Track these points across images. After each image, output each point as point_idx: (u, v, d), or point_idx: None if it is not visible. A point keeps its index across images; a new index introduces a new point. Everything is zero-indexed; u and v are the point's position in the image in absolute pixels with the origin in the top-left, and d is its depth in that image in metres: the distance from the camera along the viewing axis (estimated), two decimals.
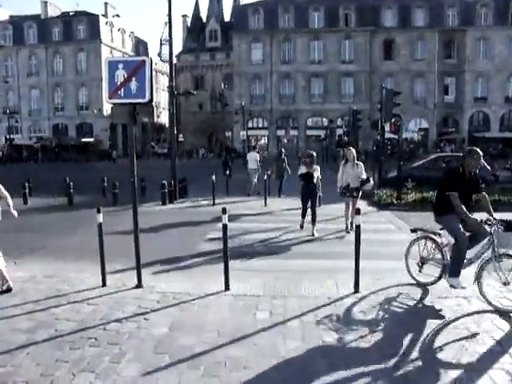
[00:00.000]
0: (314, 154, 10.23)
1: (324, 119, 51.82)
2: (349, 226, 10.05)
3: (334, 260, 7.19)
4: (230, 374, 3.85)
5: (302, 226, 10.36)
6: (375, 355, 4.17)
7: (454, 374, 3.82)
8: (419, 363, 3.99)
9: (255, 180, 18.16)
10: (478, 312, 5.19)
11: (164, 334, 4.69)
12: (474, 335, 4.55)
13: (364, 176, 10.25)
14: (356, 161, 10.39)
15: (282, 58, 53.60)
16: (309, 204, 10.20)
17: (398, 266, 6.53)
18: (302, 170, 10.05)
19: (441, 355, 4.16)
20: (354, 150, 10.48)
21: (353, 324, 4.87)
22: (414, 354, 4.14)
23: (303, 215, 10.33)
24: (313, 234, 9.81)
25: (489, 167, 18.87)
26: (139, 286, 6.20)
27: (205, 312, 5.27)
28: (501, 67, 50.01)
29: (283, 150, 19.28)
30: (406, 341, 4.45)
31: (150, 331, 4.74)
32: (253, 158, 18.54)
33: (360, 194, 10.35)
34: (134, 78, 5.79)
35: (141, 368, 3.96)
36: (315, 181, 10.12)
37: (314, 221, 9.96)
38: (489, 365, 3.96)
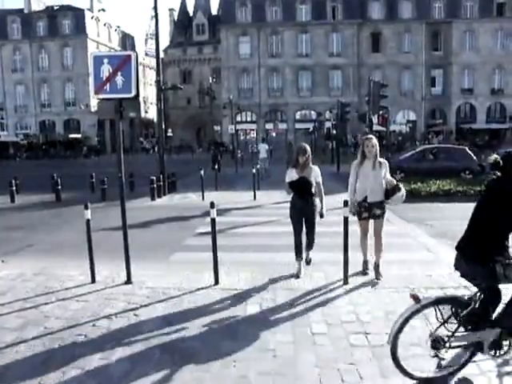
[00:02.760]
0: (308, 147, 6.35)
1: (312, 112, 51.83)
2: (370, 266, 6.35)
3: (322, 252, 7.22)
4: (220, 368, 3.87)
5: (298, 275, 6.22)
6: (364, 348, 4.20)
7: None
8: (408, 352, 4.03)
9: (266, 166, 22.11)
10: None
11: (154, 329, 4.68)
12: None
13: (391, 180, 6.16)
14: (379, 158, 6.15)
15: (270, 52, 53.49)
16: (304, 228, 6.47)
17: (388, 258, 6.58)
18: (292, 174, 6.24)
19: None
20: (375, 141, 6.13)
21: (342, 316, 4.90)
22: (406, 343, 4.17)
23: (297, 251, 6.39)
24: (307, 262, 6.56)
25: (475, 158, 19.13)
26: (128, 281, 6.18)
27: (194, 306, 5.27)
28: (486, 59, 50.38)
29: (292, 141, 20.43)
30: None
31: (140, 327, 4.74)
32: (264, 148, 22.99)
33: (386, 211, 6.29)
34: (119, 73, 5.75)
35: (131, 364, 3.96)
36: (313, 190, 6.26)
37: (310, 246, 6.53)
38: None
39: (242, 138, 54.57)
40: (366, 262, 6.40)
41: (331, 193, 12.20)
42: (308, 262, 6.58)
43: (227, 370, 3.83)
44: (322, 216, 6.40)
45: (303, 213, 6.32)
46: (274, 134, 52.43)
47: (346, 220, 5.89)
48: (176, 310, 5.19)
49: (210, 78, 48.53)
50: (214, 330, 4.63)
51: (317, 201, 6.37)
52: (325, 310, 5.06)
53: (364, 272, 6.29)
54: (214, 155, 26.26)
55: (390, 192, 6.03)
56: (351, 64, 52.08)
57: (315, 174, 6.27)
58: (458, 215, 11.19)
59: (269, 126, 53.95)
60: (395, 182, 6.12)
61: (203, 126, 63.53)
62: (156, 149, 49.92)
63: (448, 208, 12.61)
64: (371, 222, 6.21)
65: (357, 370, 3.79)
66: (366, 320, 4.78)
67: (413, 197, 13.71)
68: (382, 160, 6.15)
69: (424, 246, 8.33)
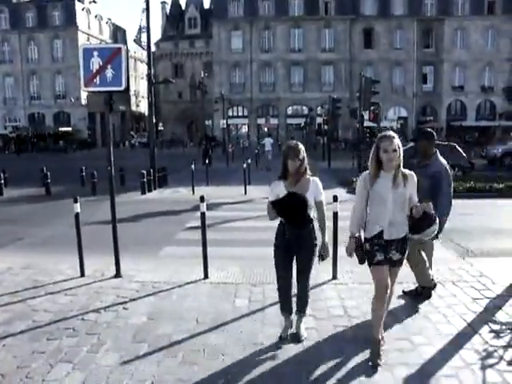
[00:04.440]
0: (302, 147, 4.06)
1: (304, 108, 51.85)
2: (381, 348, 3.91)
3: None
4: (208, 362, 3.88)
5: (282, 336, 4.23)
6: (352, 342, 4.24)
7: (427, 353, 3.92)
8: (394, 346, 4.07)
9: (270, 158, 23.67)
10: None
11: (143, 322, 4.68)
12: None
13: (425, 205, 3.70)
14: (402, 168, 3.71)
15: (262, 46, 53.34)
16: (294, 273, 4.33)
17: None
18: (278, 188, 4.08)
19: (417, 338, 4.25)
20: (398, 141, 3.62)
21: (330, 310, 4.93)
22: (391, 337, 4.22)
23: (283, 301, 4.32)
24: (298, 339, 4.19)
25: (465, 155, 19.30)
26: (118, 275, 6.17)
27: (184, 300, 5.28)
28: (477, 57, 50.66)
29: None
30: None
31: (129, 320, 4.74)
32: (269, 142, 24.95)
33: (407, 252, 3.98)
34: (109, 66, 5.72)
35: (119, 357, 3.96)
36: (311, 214, 4.11)
37: (302, 306, 4.30)
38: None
39: (233, 132, 54.46)
40: (378, 345, 3.88)
41: (324, 189, 12.21)
42: (298, 339, 4.17)
43: (215, 363, 3.84)
44: (323, 257, 4.14)
45: (294, 249, 4.10)
46: (265, 129, 52.38)
47: (335, 215, 5.93)
48: (165, 304, 5.19)
49: (202, 73, 48.23)
50: (203, 323, 4.64)
51: (316, 231, 4.13)
52: (313, 304, 5.08)
53: (374, 364, 3.75)
54: (205, 150, 26.21)
55: (417, 223, 3.69)
56: (343, 60, 52.11)
57: (314, 188, 4.01)
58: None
59: (260, 120, 53.88)
60: (430, 205, 3.67)
61: (194, 120, 63.26)
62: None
63: None
64: (384, 270, 3.81)
65: (344, 364, 3.82)
66: (354, 314, 4.82)
67: None
68: (407, 172, 3.70)
69: None
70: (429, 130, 5.43)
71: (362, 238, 3.86)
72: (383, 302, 3.83)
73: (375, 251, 3.79)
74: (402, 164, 3.66)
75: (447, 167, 5.04)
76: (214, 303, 5.16)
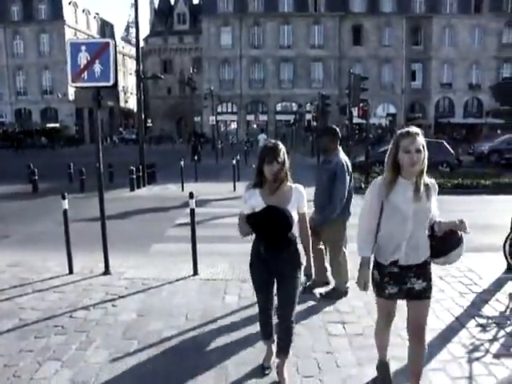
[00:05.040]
0: (282, 147, 3.21)
1: (293, 104, 51.85)
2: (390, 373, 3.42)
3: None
4: (199, 358, 3.88)
5: (264, 365, 3.66)
6: (344, 337, 4.26)
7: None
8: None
9: None
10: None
11: (132, 319, 4.67)
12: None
13: (453, 223, 2.92)
14: (424, 177, 2.94)
15: (252, 43, 53.22)
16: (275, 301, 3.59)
17: None
18: (254, 200, 3.25)
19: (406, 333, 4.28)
20: (422, 139, 2.85)
21: (321, 306, 4.95)
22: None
23: (264, 331, 3.66)
24: None
25: (453, 152, 19.50)
26: (107, 272, 6.14)
27: (173, 297, 5.27)
28: (465, 55, 51.09)
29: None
30: (369, 319, 4.56)
31: (118, 317, 4.71)
32: (263, 138, 25.35)
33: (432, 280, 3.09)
34: (97, 61, 5.66)
35: (109, 354, 3.94)
36: (294, 231, 3.28)
37: (284, 348, 3.46)
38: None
39: (222, 129, 54.36)
40: (384, 367, 3.41)
41: (311, 185, 12.25)
42: None
43: (206, 360, 3.84)
44: (310, 287, 3.70)
45: (273, 274, 3.37)
46: (254, 126, 52.36)
47: None
48: (155, 301, 5.17)
49: (191, 68, 48.22)
50: (193, 320, 4.63)
51: (300, 251, 3.37)
52: (302, 299, 5.10)
53: None
54: (194, 146, 26.13)
55: (441, 244, 2.98)
56: (332, 56, 52.19)
57: (297, 198, 3.24)
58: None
59: (250, 117, 53.82)
60: (458, 221, 2.88)
61: (184, 116, 63.04)
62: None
63: None
64: (401, 302, 3.15)
65: (334, 359, 3.84)
66: (343, 310, 4.85)
67: None
68: (429, 181, 2.99)
69: None
70: (333, 126, 5.36)
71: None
72: (387, 330, 3.32)
73: (386, 283, 3.02)
74: (425, 169, 2.90)
75: (345, 164, 4.95)
76: (204, 300, 5.16)
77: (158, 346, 4.09)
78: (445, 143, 20.10)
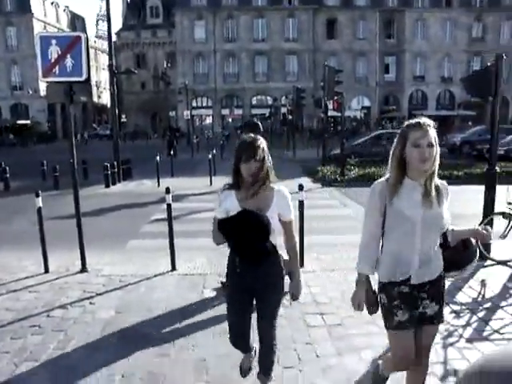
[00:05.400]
0: (262, 142, 2.74)
1: (268, 98, 51.90)
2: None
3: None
4: (179, 353, 3.88)
5: (241, 368, 3.31)
6: (323, 328, 4.31)
7: None
8: (362, 330, 4.17)
9: None
10: None
11: (111, 316, 4.63)
12: None
13: (455, 229, 2.62)
14: (436, 177, 2.48)
15: (226, 36, 52.94)
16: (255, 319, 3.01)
17: (341, 240, 6.75)
18: (229, 203, 2.78)
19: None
20: (434, 132, 2.40)
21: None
22: (360, 322, 4.31)
23: (241, 349, 3.20)
24: None
25: None
26: (84, 270, 6.06)
27: (152, 293, 5.24)
28: (436, 48, 51.91)
29: None
30: (347, 310, 4.63)
31: (96, 315, 4.67)
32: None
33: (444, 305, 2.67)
34: (69, 55, 5.55)
35: (88, 352, 3.90)
36: (273, 240, 2.82)
37: (267, 368, 3.00)
38: None
39: (197, 123, 54.04)
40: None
41: (288, 178, 12.33)
42: None
43: (186, 355, 3.84)
44: (295, 297, 2.99)
45: (250, 291, 2.91)
46: (230, 120, 52.21)
47: (301, 203, 5.99)
48: (133, 297, 5.14)
49: (165, 63, 47.69)
50: (172, 315, 4.62)
51: (281, 261, 2.91)
52: None
53: None
54: (169, 141, 25.90)
55: (456, 256, 2.60)
56: (307, 50, 52.34)
57: (280, 203, 2.78)
58: None
59: (225, 111, 53.65)
60: (481, 228, 2.55)
61: (158, 111, 62.43)
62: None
63: None
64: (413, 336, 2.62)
65: (313, 349, 3.89)
66: (321, 301, 4.90)
67: (367, 180, 14.25)
68: (440, 182, 2.54)
69: None
70: (254, 120, 5.37)
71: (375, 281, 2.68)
72: (412, 376, 2.79)
73: (395, 307, 2.52)
74: (437, 169, 2.44)
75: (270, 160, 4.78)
76: (183, 294, 5.15)
77: (138, 342, 4.07)
78: None
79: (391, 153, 2.49)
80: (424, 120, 2.42)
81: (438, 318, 2.59)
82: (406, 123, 2.48)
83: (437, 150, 2.38)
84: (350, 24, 52.14)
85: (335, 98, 18.91)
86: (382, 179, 2.55)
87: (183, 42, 52.69)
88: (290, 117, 32.04)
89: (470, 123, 36.69)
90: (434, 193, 2.44)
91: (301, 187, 6.11)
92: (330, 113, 21.17)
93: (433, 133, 2.38)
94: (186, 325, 4.40)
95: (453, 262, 2.58)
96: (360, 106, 52.96)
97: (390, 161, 2.49)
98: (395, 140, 2.49)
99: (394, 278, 2.51)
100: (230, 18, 52.47)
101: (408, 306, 2.51)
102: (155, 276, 5.79)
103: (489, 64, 6.71)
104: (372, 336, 4.07)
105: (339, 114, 20.07)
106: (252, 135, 2.83)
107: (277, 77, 52.50)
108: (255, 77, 53.41)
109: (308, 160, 20.15)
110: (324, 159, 18.41)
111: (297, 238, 2.88)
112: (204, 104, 54.49)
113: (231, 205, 2.75)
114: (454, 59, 52.58)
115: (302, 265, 5.96)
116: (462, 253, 2.57)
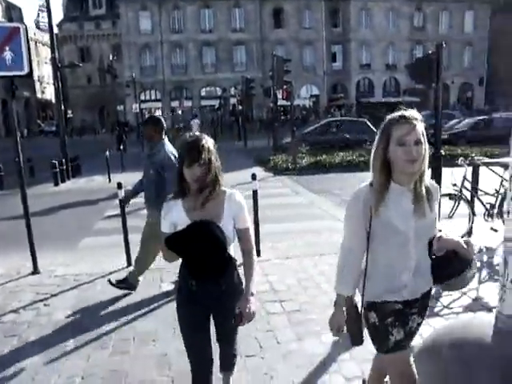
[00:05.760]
0: (207, 141, 2.36)
1: (218, 89, 51.61)
2: None
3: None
4: (140, 349, 3.84)
5: None
6: (282, 315, 4.38)
7: None
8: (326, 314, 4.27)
9: None
10: None
11: (67, 317, 4.51)
12: None
13: (442, 235, 2.16)
14: (426, 179, 2.18)
15: (172, 27, 52.03)
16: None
17: (295, 228, 6.87)
18: (177, 214, 2.41)
19: None
20: (422, 127, 2.10)
21: (257, 287, 5.04)
22: (311, 307, 4.42)
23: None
24: None
25: (375, 129, 20.36)
26: (35, 272, 5.87)
27: (108, 290, 5.14)
28: (381, 36, 53.19)
29: None
30: (304, 296, 4.73)
31: (52, 317, 4.54)
32: (196, 124, 25.44)
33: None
34: (7, 48, 5.29)
35: (44, 355, 3.79)
36: (230, 251, 2.50)
37: (228, 365, 2.97)
38: None
39: (147, 116, 52.94)
40: None
41: (240, 168, 12.38)
42: None
43: (147, 350, 3.81)
44: (243, 318, 2.42)
45: (209, 311, 2.66)
46: (179, 112, 51.53)
47: (255, 193, 6.04)
48: (89, 296, 5.03)
49: (111, 56, 46.28)
50: (131, 310, 4.56)
51: (238, 275, 2.66)
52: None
53: None
54: (118, 136, 25.29)
55: (443, 265, 2.21)
56: (254, 39, 52.29)
57: (234, 209, 2.47)
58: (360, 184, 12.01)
59: (174, 103, 52.88)
60: (465, 243, 2.20)
61: (106, 105, 60.65)
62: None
63: (352, 177, 13.30)
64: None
65: (274, 336, 3.95)
66: (279, 289, 4.97)
67: (318, 168, 14.56)
68: (429, 183, 2.25)
69: (331, 215, 8.76)
70: (156, 115, 5.26)
71: (358, 300, 2.32)
72: None
73: (389, 325, 2.23)
74: (426, 170, 2.13)
75: (172, 157, 4.55)
76: (141, 290, 5.08)
77: (97, 341, 4.00)
78: (367, 122, 20.96)
79: (373, 153, 2.15)
80: (410, 113, 2.09)
81: (416, 331, 2.37)
82: (389, 117, 2.13)
83: (426, 147, 2.06)
84: (296, 13, 52.46)
85: (284, 87, 19.07)
86: (365, 184, 2.19)
87: (128, 33, 51.37)
88: (240, 107, 32.04)
89: (415, 109, 37.94)
90: (425, 198, 2.13)
91: (254, 176, 6.15)
92: (279, 102, 21.31)
93: (420, 127, 2.06)
94: (145, 320, 4.36)
95: (439, 272, 2.21)
96: (309, 94, 53.58)
97: (371, 163, 2.16)
98: (376, 137, 2.15)
99: (385, 297, 2.20)
100: (176, 8, 51.58)
101: (402, 323, 2.24)
102: (111, 273, 5.68)
103: (430, 52, 6.97)
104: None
105: (289, 103, 20.31)
106: (196, 133, 2.43)
107: (225, 67, 52.21)
108: (204, 68, 52.90)
109: (259, 150, 20.22)
110: (275, 148, 18.56)
111: (252, 231, 2.59)
112: (153, 97, 53.49)
113: (178, 217, 2.39)
114: (398, 47, 54.06)
115: (258, 254, 6.03)
116: (448, 263, 2.17)
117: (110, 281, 5.06)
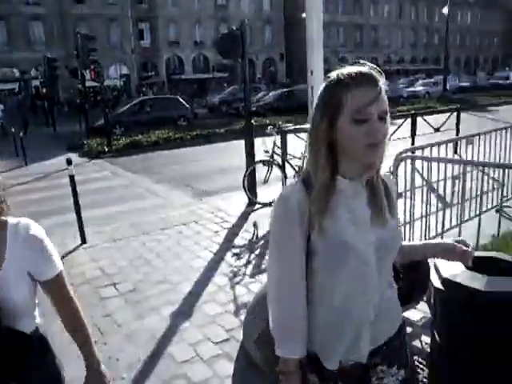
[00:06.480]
0: None
1: (15, 70, 46.32)
2: None
3: (53, 217, 6.82)
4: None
5: None
6: (117, 297, 4.29)
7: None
8: (156, 289, 4.30)
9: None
10: None
11: None
12: None
13: (405, 243, 1.55)
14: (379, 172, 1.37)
15: None
16: None
17: (117, 209, 6.79)
18: None
19: (174, 278, 4.57)
20: (386, 102, 1.26)
21: (87, 274, 4.83)
22: (151, 282, 4.42)
23: None
24: None
25: (188, 106, 20.78)
26: None
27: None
28: (187, 13, 53.55)
29: None
30: (137, 274, 4.71)
31: None
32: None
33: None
34: None
35: None
36: (36, 321, 1.57)
37: None
38: None
39: None
40: None
41: (52, 156, 11.51)
42: None
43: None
44: None
45: None
46: None
47: (72, 178, 5.73)
48: None
49: None
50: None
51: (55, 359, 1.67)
52: (69, 272, 4.91)
53: None
54: None
55: (409, 284, 1.56)
56: (53, 14, 47.92)
57: (22, 250, 1.43)
58: (179, 160, 12.19)
59: None
60: (457, 245, 1.44)
61: None
62: None
63: (169, 155, 13.42)
64: None
65: (113, 320, 3.86)
66: (111, 272, 4.85)
67: (135, 148, 14.40)
68: (384, 175, 1.42)
69: (152, 192, 8.79)
70: None
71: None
72: None
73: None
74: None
75: None
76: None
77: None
78: (180, 98, 21.18)
79: (308, 135, 1.35)
80: (368, 70, 1.27)
81: None
82: (337, 75, 1.28)
83: (388, 124, 1.29)
84: None
85: (91, 66, 18.06)
86: (294, 183, 1.38)
87: None
88: (45, 90, 29.40)
89: (225, 85, 39.42)
90: (384, 198, 1.38)
91: (69, 161, 5.80)
92: (88, 83, 20.13)
93: (384, 94, 1.27)
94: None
95: (406, 294, 1.56)
96: (118, 74, 51.61)
97: (308, 150, 1.37)
98: (314, 111, 1.32)
99: (335, 357, 1.37)
100: None
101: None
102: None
103: (234, 28, 7.33)
104: (165, 293, 4.24)
105: (98, 84, 19.30)
106: None
107: (21, 46, 46.96)
108: None
109: (71, 134, 18.90)
110: (88, 132, 17.60)
111: (65, 274, 1.61)
112: None
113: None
114: (204, 25, 55.16)
115: (84, 241, 5.75)
116: (416, 280, 1.61)
117: None
